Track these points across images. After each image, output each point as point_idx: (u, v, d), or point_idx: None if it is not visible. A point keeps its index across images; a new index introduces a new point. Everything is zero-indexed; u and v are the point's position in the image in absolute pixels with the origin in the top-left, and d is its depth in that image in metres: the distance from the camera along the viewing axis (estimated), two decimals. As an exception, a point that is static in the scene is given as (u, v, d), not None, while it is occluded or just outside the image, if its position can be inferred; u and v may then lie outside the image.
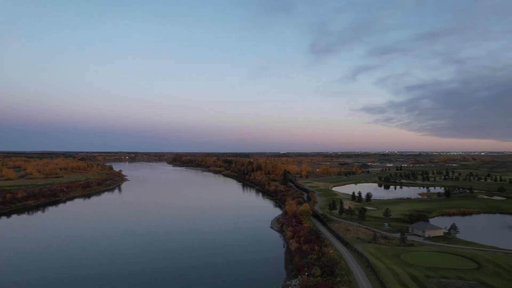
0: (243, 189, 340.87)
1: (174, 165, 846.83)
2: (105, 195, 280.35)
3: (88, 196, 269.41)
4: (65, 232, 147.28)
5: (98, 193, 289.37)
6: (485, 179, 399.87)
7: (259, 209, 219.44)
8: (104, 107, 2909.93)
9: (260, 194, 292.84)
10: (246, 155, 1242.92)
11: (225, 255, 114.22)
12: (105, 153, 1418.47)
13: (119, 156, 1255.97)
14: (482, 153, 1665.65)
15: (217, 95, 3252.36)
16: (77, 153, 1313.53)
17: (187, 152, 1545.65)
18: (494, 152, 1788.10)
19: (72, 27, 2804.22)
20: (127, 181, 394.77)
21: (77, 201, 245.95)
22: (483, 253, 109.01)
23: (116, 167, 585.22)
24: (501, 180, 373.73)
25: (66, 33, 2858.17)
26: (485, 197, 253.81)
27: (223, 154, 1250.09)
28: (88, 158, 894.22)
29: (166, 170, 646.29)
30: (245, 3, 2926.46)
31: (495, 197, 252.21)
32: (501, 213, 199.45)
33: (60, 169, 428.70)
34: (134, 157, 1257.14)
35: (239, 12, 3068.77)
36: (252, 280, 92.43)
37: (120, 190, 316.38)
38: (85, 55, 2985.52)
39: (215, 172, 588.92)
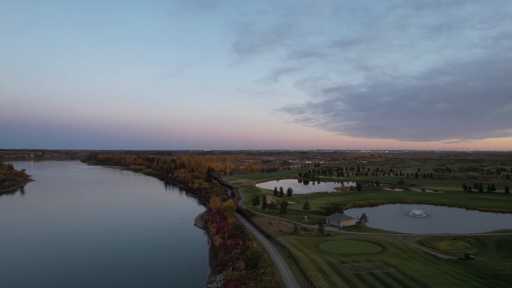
0: (166, 187, 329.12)
1: (89, 164, 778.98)
2: (3, 198, 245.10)
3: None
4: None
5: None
6: (389, 174, 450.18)
7: (182, 207, 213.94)
8: (1, 100, 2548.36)
9: (184, 192, 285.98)
10: (169, 153, 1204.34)
11: (148, 256, 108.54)
12: (2, 151, 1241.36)
13: (22, 154, 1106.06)
14: (386, 151, 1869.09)
15: (137, 89, 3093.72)
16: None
17: (104, 150, 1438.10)
18: (395, 151, 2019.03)
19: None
20: (32, 182, 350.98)
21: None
22: (386, 238, 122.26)
23: (18, 166, 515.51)
24: (400, 174, 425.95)
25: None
26: (389, 189, 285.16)
27: (144, 152, 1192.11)
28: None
29: (80, 169, 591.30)
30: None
31: (396, 189, 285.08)
32: (400, 202, 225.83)
33: None
34: (41, 155, 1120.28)
35: (163, 4, 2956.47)
36: (176, 279, 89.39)
37: (23, 192, 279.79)
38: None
39: (136, 170, 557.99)
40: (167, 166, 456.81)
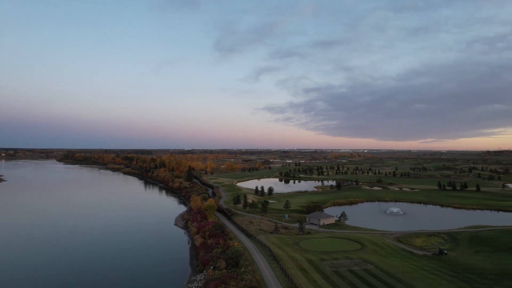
0: (146, 187, 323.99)
1: (66, 163, 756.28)
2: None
3: None
4: None
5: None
6: (367, 172, 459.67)
7: (162, 206, 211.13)
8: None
9: (164, 192, 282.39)
10: (149, 152, 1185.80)
11: (126, 257, 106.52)
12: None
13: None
14: (365, 151, 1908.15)
15: (117, 87, 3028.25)
16: None
17: (81, 149, 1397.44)
18: (374, 150, 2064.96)
19: None
20: (3, 182, 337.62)
21: None
22: (365, 235, 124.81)
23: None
24: (379, 173, 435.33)
25: None
26: (367, 188, 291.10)
27: (123, 151, 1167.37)
28: None
29: (56, 169, 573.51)
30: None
31: (375, 188, 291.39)
32: (379, 201, 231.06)
33: None
34: (13, 154, 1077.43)
35: (144, 0, 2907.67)
36: (156, 279, 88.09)
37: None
38: None
39: (114, 170, 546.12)
40: (147, 165, 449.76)
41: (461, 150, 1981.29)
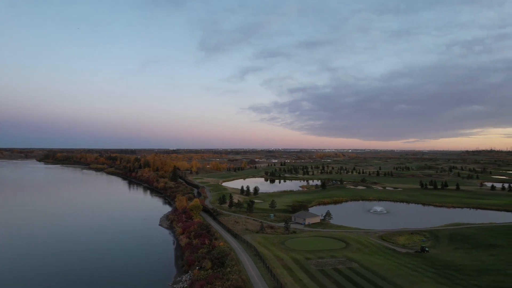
0: (130, 187, 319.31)
1: (47, 163, 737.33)
2: None
3: None
4: None
5: None
6: (352, 172, 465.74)
7: (147, 207, 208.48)
8: None
9: (148, 192, 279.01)
10: (133, 151, 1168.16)
11: (111, 258, 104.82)
12: None
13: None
14: (350, 150, 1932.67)
15: (100, 86, 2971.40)
16: None
17: (62, 148, 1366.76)
18: (358, 150, 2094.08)
19: None
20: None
21: None
22: (349, 234, 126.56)
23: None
24: (363, 172, 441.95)
25: None
26: (352, 187, 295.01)
27: (106, 151, 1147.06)
28: None
29: (36, 169, 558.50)
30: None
31: (359, 187, 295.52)
32: (363, 200, 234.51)
33: None
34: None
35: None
36: (141, 280, 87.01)
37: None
38: None
39: (97, 170, 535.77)
40: (131, 165, 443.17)
41: (442, 150, 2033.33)
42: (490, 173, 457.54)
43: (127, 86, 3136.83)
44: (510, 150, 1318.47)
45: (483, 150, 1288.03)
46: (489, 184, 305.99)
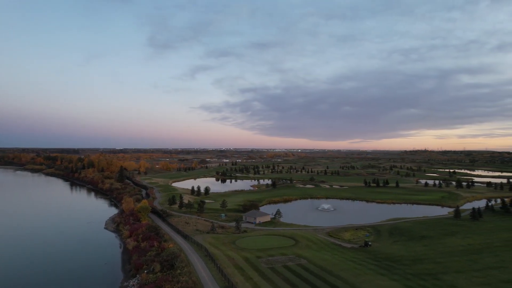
0: (72, 189, 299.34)
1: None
2: None
3: None
4: None
5: None
6: (301, 171, 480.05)
7: (91, 209, 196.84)
8: None
9: (93, 194, 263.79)
10: (76, 151, 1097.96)
11: (53, 266, 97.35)
12: None
13: None
14: (299, 150, 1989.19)
15: (37, 80, 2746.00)
16: None
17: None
18: (307, 150, 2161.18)
19: None
20: None
21: None
22: (299, 231, 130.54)
23: None
24: (311, 172, 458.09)
25: None
26: (301, 186, 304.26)
27: (44, 150, 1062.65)
28: None
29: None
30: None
31: (308, 186, 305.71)
32: (311, 198, 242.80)
33: None
34: None
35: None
36: (86, 287, 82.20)
37: None
38: None
39: (34, 171, 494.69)
40: (73, 165, 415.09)
41: (383, 150, 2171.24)
42: (424, 171, 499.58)
43: (68, 81, 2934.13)
44: (441, 150, 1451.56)
45: (419, 150, 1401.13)
46: (423, 181, 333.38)
